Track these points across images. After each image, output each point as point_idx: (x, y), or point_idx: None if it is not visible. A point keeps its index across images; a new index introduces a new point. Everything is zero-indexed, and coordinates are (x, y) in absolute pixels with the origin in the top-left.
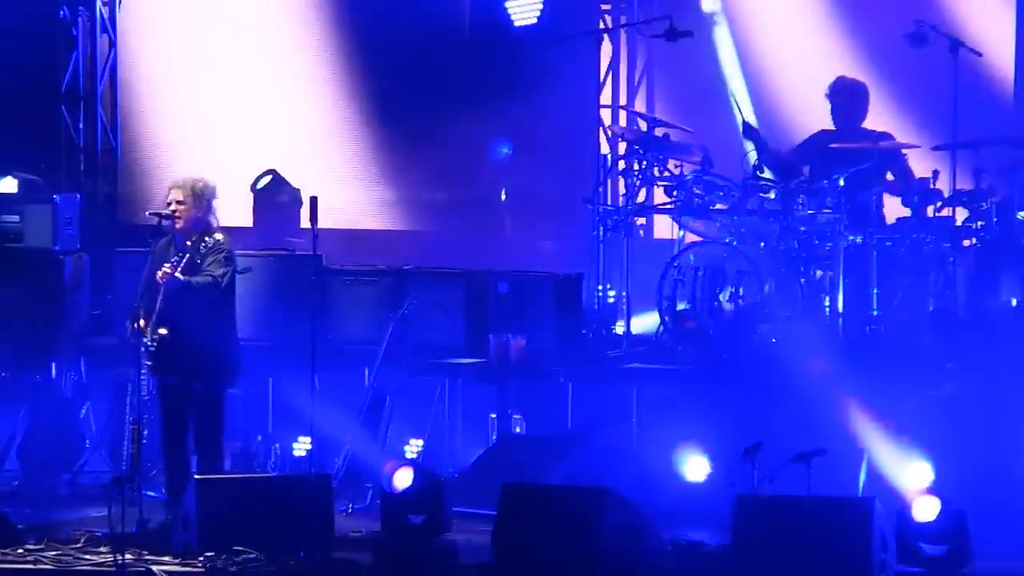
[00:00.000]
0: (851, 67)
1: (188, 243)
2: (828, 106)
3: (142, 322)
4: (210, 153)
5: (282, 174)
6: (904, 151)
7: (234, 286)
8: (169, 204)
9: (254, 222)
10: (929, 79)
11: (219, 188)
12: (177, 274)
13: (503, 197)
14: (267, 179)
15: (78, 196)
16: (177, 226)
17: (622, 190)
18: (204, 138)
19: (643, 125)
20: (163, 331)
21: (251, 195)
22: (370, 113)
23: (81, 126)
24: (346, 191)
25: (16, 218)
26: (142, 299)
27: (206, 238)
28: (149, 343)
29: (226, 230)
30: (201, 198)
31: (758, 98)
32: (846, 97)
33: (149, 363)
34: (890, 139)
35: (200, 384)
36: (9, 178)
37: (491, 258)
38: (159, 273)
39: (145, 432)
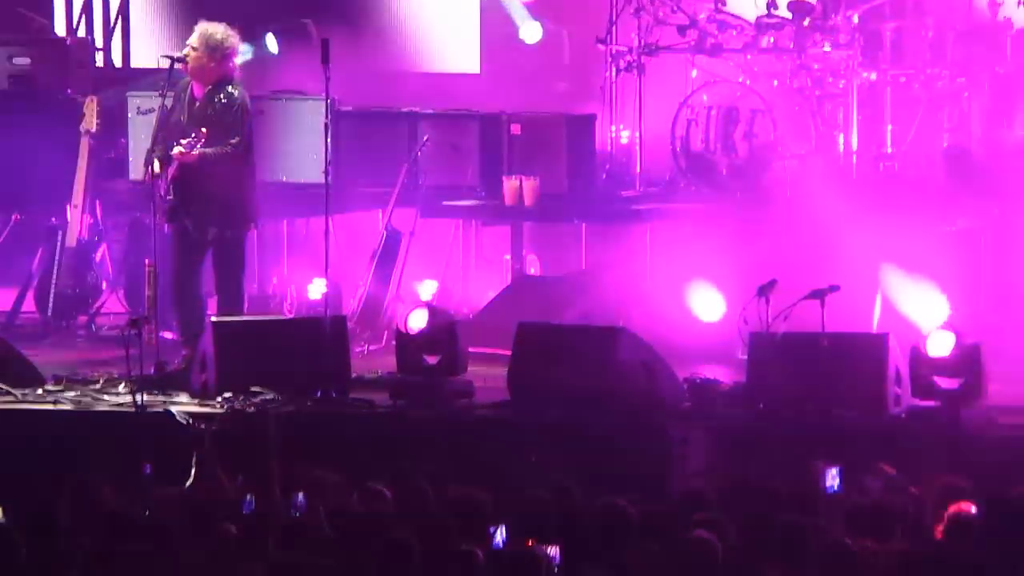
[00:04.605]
0: None
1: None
2: None
3: (158, 168)
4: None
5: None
6: None
7: (252, 137)
8: (184, 48)
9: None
10: None
11: (236, 39)
12: (194, 152)
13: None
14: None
15: (91, 39)
16: (188, 70)
17: (635, 30)
18: None
19: None
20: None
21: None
22: None
23: None
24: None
25: (27, 60)
26: (156, 143)
27: (221, 91)
28: (164, 193)
29: (241, 80)
30: (216, 49)
31: None
32: None
33: (165, 209)
34: None
35: (215, 229)
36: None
37: (504, 99)
38: (174, 152)
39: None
